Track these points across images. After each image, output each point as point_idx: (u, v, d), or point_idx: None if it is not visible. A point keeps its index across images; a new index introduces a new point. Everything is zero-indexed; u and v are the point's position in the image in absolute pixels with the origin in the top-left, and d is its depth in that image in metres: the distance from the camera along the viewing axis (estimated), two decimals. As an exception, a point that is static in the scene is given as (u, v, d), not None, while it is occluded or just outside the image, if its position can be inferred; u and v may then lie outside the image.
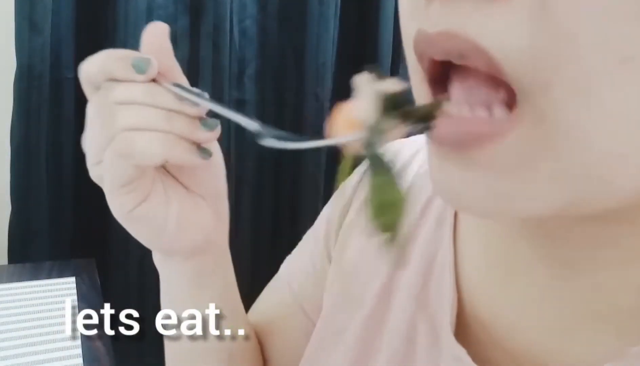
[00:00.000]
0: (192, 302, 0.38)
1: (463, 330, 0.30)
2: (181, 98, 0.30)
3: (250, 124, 0.28)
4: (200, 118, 0.31)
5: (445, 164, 0.23)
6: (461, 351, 0.28)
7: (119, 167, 0.31)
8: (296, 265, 0.46)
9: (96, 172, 0.33)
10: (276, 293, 0.47)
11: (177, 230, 0.34)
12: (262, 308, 0.47)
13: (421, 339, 0.32)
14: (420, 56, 0.23)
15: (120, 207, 0.32)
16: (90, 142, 0.32)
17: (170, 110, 0.30)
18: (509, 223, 0.30)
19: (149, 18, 1.10)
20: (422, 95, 0.24)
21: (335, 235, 0.42)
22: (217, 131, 0.32)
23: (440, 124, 0.22)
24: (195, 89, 0.31)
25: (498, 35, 0.19)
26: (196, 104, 0.30)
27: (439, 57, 0.21)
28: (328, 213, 0.44)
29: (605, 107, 0.19)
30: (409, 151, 0.40)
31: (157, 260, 0.39)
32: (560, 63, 0.19)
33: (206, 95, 0.30)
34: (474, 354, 0.28)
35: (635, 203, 0.22)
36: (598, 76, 0.19)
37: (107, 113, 0.30)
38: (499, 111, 0.21)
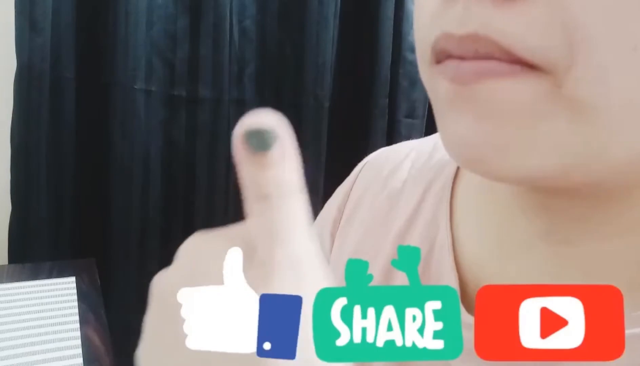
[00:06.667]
0: None
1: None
2: None
3: None
4: None
5: (460, 110, 0.23)
6: (470, 319, 0.28)
7: None
8: None
9: None
10: None
11: None
12: None
13: None
14: (439, 51, 0.23)
15: None
16: None
17: None
18: (506, 194, 0.31)
19: (149, 18, 1.10)
20: (429, 73, 0.25)
21: (331, 238, 0.42)
22: None
23: (457, 67, 0.23)
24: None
25: (520, 35, 0.21)
26: None
27: (466, 55, 0.22)
28: (325, 213, 0.45)
29: (618, 90, 0.20)
30: (400, 154, 0.41)
31: None
32: (577, 54, 0.20)
33: None
34: None
35: (621, 184, 0.24)
36: (612, 64, 0.20)
37: None
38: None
